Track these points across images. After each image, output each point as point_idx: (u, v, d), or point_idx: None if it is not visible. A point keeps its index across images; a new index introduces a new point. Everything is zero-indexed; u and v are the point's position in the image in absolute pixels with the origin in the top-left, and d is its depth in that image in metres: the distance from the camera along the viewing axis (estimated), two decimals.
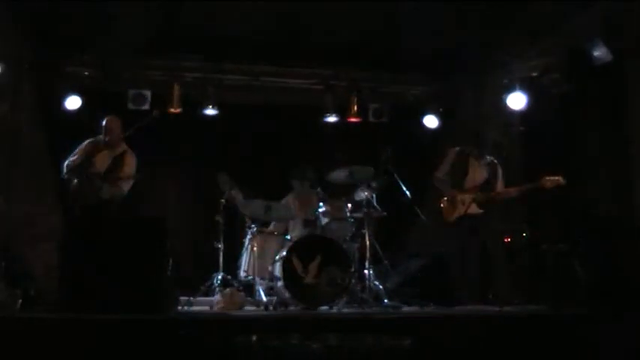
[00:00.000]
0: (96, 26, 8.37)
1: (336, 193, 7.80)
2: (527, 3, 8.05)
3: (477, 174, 7.65)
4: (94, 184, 7.17)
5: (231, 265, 7.92)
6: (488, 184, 7.51)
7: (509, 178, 7.80)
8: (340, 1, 8.00)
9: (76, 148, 7.44)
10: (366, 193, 7.40)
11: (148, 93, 9.27)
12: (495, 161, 7.64)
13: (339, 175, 7.57)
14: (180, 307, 6.50)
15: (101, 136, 7.46)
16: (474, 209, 7.47)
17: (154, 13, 8.12)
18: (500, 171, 7.62)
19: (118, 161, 7.39)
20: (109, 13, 8.07)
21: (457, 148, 7.88)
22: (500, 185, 7.57)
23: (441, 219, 7.79)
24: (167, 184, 9.88)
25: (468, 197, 7.52)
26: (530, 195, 9.18)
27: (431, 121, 10.14)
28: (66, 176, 7.33)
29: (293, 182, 8.39)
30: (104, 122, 7.53)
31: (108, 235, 5.51)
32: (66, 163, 7.35)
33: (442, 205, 7.72)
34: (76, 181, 7.19)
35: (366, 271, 7.21)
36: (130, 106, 9.21)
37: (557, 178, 7.21)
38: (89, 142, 7.48)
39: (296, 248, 6.98)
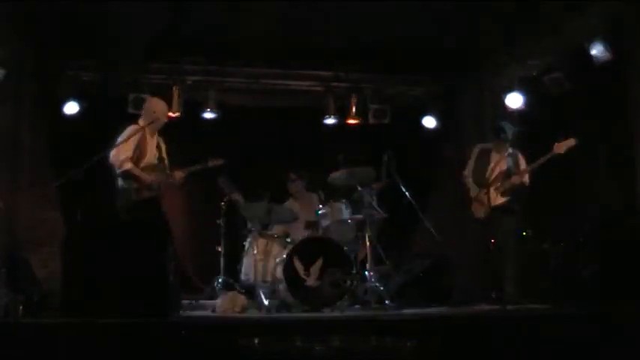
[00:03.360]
0: (96, 30, 8.38)
1: (337, 195, 7.79)
2: (527, 3, 8.06)
3: (498, 166, 7.65)
4: (159, 174, 7.00)
5: (233, 268, 7.93)
6: (509, 173, 7.50)
7: None
8: (340, 3, 8.01)
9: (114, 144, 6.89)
10: (367, 195, 7.40)
11: (147, 97, 9.25)
12: (517, 152, 7.64)
13: (340, 176, 7.56)
14: (182, 311, 6.49)
15: (142, 121, 7.08)
16: (499, 200, 7.47)
17: (155, 17, 8.12)
18: (522, 160, 7.61)
19: (160, 151, 7.16)
20: (109, 17, 8.08)
21: (479, 145, 7.91)
22: (523, 173, 7.55)
23: (471, 214, 7.78)
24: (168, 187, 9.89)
25: (492, 190, 7.50)
26: (532, 193, 9.22)
27: (431, 122, 10.13)
28: (123, 171, 6.84)
29: (288, 185, 8.41)
30: (153, 105, 7.25)
31: (110, 239, 5.50)
32: (121, 157, 6.81)
33: (472, 206, 7.71)
34: (149, 177, 6.87)
35: (367, 273, 7.20)
36: (130, 110, 9.19)
37: (568, 140, 7.22)
38: (134, 129, 6.98)
39: (297, 250, 6.97)
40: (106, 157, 6.73)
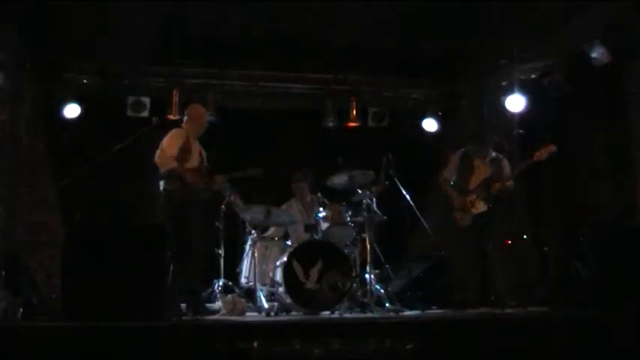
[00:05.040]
0: (95, 33, 8.38)
1: (337, 198, 7.80)
2: (526, 5, 8.06)
3: (480, 173, 7.66)
4: (207, 178, 7.03)
5: (232, 271, 7.92)
6: (491, 179, 7.50)
7: None
8: (339, 5, 8.01)
9: (166, 143, 6.90)
10: (366, 198, 7.39)
11: (147, 100, 9.26)
12: (500, 156, 7.64)
13: (339, 179, 7.57)
14: (181, 314, 6.49)
15: (185, 126, 7.15)
16: (481, 207, 7.47)
17: (154, 20, 8.12)
18: (505, 164, 7.62)
19: (201, 156, 7.17)
20: (108, 20, 8.08)
21: (460, 151, 7.90)
22: (505, 180, 7.55)
23: (455, 222, 7.78)
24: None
25: (475, 197, 7.52)
26: (531, 197, 9.22)
27: (431, 125, 10.12)
28: (168, 170, 6.81)
29: (293, 186, 8.41)
30: (197, 111, 7.34)
31: (109, 243, 5.49)
32: (167, 157, 6.81)
33: (457, 215, 7.70)
34: (189, 177, 6.84)
35: (367, 276, 7.20)
36: (129, 113, 9.19)
37: (547, 147, 7.25)
38: (179, 132, 7.05)
39: (297, 253, 6.97)
40: (105, 160, 6.73)
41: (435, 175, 8.10)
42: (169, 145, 6.87)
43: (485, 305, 7.40)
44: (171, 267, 6.31)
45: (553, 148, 7.27)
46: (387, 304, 7.04)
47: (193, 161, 6.98)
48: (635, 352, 5.03)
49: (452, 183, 7.81)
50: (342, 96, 10.04)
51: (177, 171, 6.79)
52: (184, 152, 6.91)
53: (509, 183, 7.55)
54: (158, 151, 6.84)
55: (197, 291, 6.91)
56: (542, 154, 7.28)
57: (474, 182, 7.67)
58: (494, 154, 7.72)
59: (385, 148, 7.80)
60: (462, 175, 7.77)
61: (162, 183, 6.87)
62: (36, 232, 9.21)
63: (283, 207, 8.29)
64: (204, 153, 7.23)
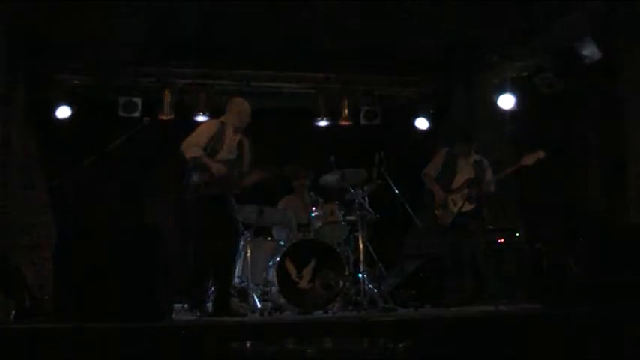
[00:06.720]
0: (87, 34, 8.36)
1: (329, 197, 7.79)
2: (517, 3, 8.07)
3: (465, 173, 7.70)
4: (237, 172, 6.75)
5: None
6: (476, 181, 7.53)
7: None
8: (331, 4, 8.01)
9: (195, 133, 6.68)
10: (358, 197, 7.39)
11: (138, 100, 9.24)
12: (483, 159, 7.69)
13: (331, 178, 7.57)
14: (174, 314, 6.47)
15: (224, 118, 6.86)
16: (465, 206, 7.48)
17: (145, 20, 8.11)
18: (487, 168, 7.65)
19: (240, 149, 6.87)
20: (99, 20, 8.06)
21: (446, 149, 7.94)
22: (488, 181, 7.59)
23: (435, 220, 7.80)
24: (161, 191, 9.88)
25: (458, 197, 7.56)
26: (524, 194, 9.23)
27: (423, 123, 10.13)
28: (190, 157, 6.55)
29: (295, 183, 8.40)
30: (238, 105, 6.97)
31: (102, 243, 5.47)
32: (191, 144, 6.57)
33: (437, 212, 7.72)
34: (220, 167, 6.54)
35: (360, 275, 7.20)
36: (121, 113, 9.17)
37: (536, 153, 7.27)
38: (211, 123, 6.88)
39: (289, 253, 6.97)
40: (97, 161, 6.67)
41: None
42: (198, 133, 6.66)
43: (478, 303, 7.42)
44: (165, 267, 6.27)
45: (541, 154, 7.29)
46: (381, 303, 7.04)
47: (226, 154, 6.69)
48: (629, 350, 5.04)
49: (434, 178, 7.84)
50: (334, 94, 10.05)
51: (201, 160, 6.52)
52: (216, 143, 6.64)
53: (490, 187, 7.58)
54: (185, 140, 6.64)
55: (193, 291, 6.87)
56: (529, 159, 7.30)
57: (458, 182, 7.71)
58: (477, 156, 7.77)
59: (377, 146, 7.80)
60: (446, 173, 7.80)
61: (191, 175, 6.60)
62: (28, 233, 9.19)
63: (283, 201, 8.31)
64: (247, 147, 6.96)
